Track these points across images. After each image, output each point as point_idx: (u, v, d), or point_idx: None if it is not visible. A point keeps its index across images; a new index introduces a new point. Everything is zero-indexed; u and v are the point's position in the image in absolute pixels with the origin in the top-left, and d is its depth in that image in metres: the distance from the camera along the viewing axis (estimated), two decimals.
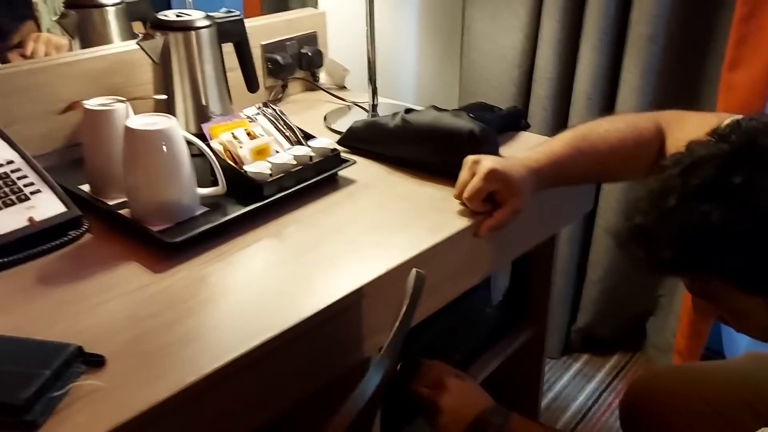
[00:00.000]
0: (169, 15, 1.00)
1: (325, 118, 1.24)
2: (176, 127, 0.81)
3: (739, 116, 0.80)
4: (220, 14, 1.06)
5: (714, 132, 0.65)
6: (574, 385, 1.70)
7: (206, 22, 1.00)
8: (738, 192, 0.58)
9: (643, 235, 0.63)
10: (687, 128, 0.87)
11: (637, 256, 0.65)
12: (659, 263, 0.64)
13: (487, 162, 0.88)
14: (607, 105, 1.54)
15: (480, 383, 1.15)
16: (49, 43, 1.09)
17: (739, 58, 1.34)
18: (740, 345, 1.59)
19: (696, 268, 0.63)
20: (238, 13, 1.08)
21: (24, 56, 1.07)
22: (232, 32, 1.07)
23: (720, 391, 1.01)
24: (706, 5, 1.41)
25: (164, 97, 0.98)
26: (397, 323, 0.57)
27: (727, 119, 0.81)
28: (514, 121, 1.17)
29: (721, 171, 0.59)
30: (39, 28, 1.10)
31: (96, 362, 0.61)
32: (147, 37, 0.98)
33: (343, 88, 1.41)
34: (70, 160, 0.98)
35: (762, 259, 0.58)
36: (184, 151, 0.82)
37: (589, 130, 0.92)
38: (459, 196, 0.91)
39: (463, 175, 0.90)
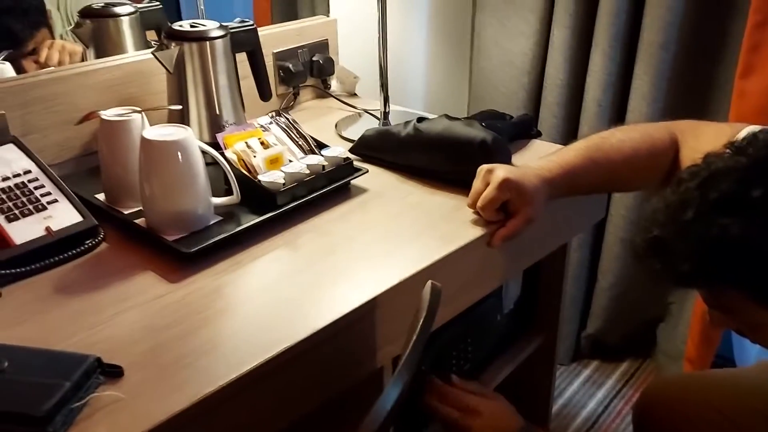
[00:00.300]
0: (184, 25, 1.00)
1: (336, 126, 1.25)
2: (191, 138, 0.82)
3: (755, 127, 0.80)
4: (233, 24, 1.06)
5: (731, 144, 0.65)
6: (585, 391, 1.70)
7: (220, 33, 1.01)
8: (757, 206, 0.58)
9: (661, 247, 0.63)
10: (702, 138, 0.87)
11: (655, 269, 0.65)
12: (677, 276, 0.64)
13: (501, 171, 0.88)
14: (617, 112, 1.54)
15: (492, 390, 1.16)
16: (63, 50, 1.10)
17: (751, 66, 1.34)
18: (751, 353, 1.58)
19: (714, 281, 0.63)
20: (251, 22, 1.09)
21: (38, 63, 1.08)
22: (245, 42, 1.07)
23: (732, 399, 1.01)
24: (718, 12, 1.41)
25: (179, 107, 0.99)
26: (414, 337, 0.57)
27: (743, 129, 0.81)
28: (525, 129, 1.18)
29: (739, 184, 0.59)
30: (53, 36, 1.11)
31: (114, 373, 0.62)
32: (162, 47, 0.99)
33: (353, 95, 1.42)
34: (86, 169, 0.99)
35: None
36: (199, 162, 0.82)
37: (603, 139, 0.92)
38: (473, 205, 0.91)
39: (477, 184, 0.90)
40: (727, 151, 0.64)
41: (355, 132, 1.16)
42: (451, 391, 0.84)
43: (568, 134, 1.60)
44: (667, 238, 0.63)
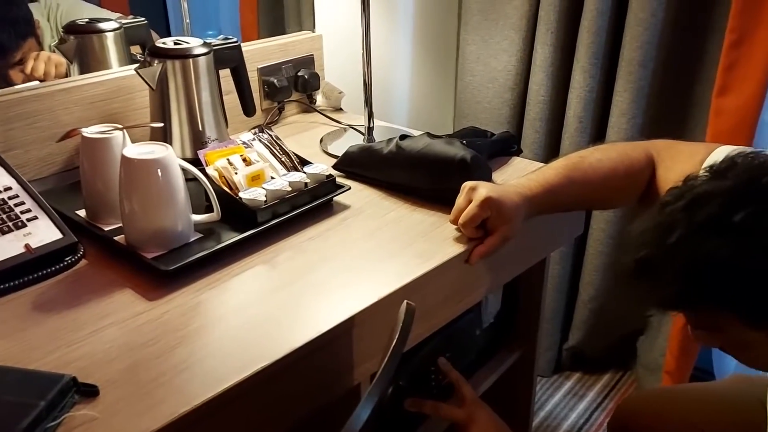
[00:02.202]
0: (168, 43, 1.01)
1: (321, 141, 1.26)
2: (172, 156, 0.82)
3: (729, 148, 0.82)
4: (217, 41, 1.07)
5: (710, 168, 0.66)
6: (566, 404, 1.72)
7: (204, 50, 1.02)
8: (743, 228, 0.58)
9: (648, 269, 0.64)
10: (678, 158, 0.89)
11: (642, 291, 0.66)
12: (665, 298, 0.65)
13: (483, 190, 0.89)
14: (598, 128, 1.56)
15: None
16: (49, 61, 1.11)
17: (728, 84, 1.36)
18: (730, 365, 1.61)
19: (701, 302, 0.64)
20: (235, 39, 1.10)
21: (24, 73, 1.08)
22: (229, 59, 1.08)
23: (708, 413, 1.02)
24: (695, 31, 1.44)
25: (161, 125, 1.00)
26: (387, 358, 0.58)
27: (716, 149, 0.83)
28: (505, 147, 1.19)
29: (723, 207, 0.60)
30: (41, 46, 1.11)
31: (90, 392, 0.63)
32: (145, 64, 0.99)
33: (339, 110, 1.43)
34: (68, 184, 1.00)
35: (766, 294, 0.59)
36: (179, 180, 0.83)
37: (582, 158, 0.94)
38: (455, 221, 0.92)
39: (460, 201, 0.92)
40: (706, 173, 0.65)
41: (340, 147, 1.17)
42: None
43: (551, 149, 1.62)
44: (654, 260, 0.63)
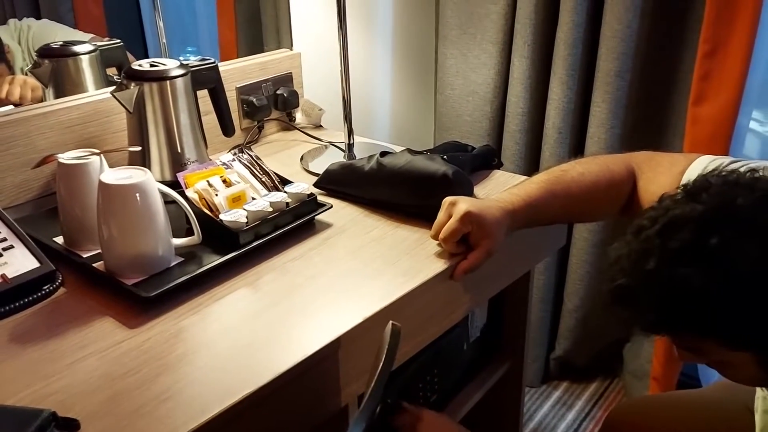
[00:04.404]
0: (144, 65, 1.00)
1: (301, 159, 1.26)
2: (150, 180, 0.81)
3: (708, 158, 0.83)
4: (194, 62, 1.07)
5: (684, 187, 0.66)
6: (555, 413, 1.71)
7: (180, 71, 1.01)
8: (717, 255, 0.59)
9: (627, 297, 0.65)
10: (658, 170, 0.90)
11: (623, 317, 0.66)
12: (644, 325, 0.66)
13: (463, 204, 0.89)
14: (577, 138, 1.58)
15: (461, 417, 1.17)
16: (25, 84, 1.09)
17: (703, 93, 1.39)
18: (715, 372, 1.61)
19: (679, 329, 0.65)
20: (212, 60, 1.09)
21: None
22: (207, 79, 1.08)
23: (696, 421, 1.03)
24: (670, 42, 1.46)
25: (138, 149, 0.99)
26: (374, 380, 0.58)
27: (695, 160, 0.84)
28: (486, 160, 1.20)
29: (697, 234, 0.60)
30: (11, 71, 1.10)
31: (70, 426, 0.61)
32: (121, 87, 0.98)
33: (319, 127, 1.43)
34: (45, 210, 0.98)
35: (745, 319, 0.59)
36: (158, 204, 0.82)
37: (563, 172, 0.94)
38: (435, 237, 0.92)
39: (440, 216, 0.92)
40: (681, 193, 0.66)
41: (321, 165, 1.16)
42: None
43: (531, 160, 1.63)
44: (632, 288, 0.64)
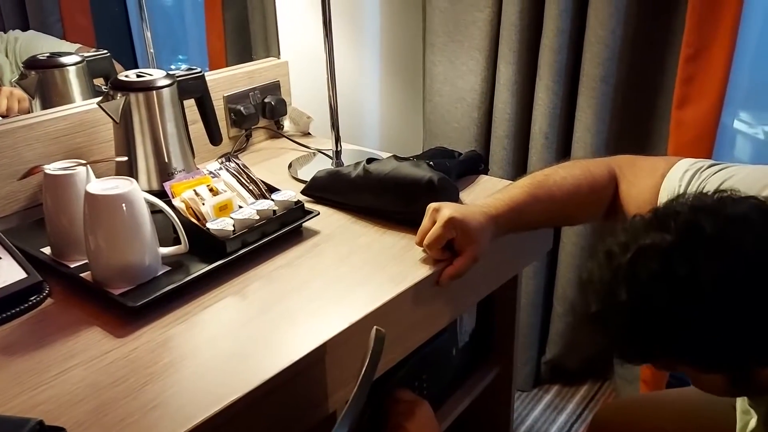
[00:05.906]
0: (130, 75, 1.01)
1: (289, 166, 1.26)
2: (136, 190, 0.82)
3: (688, 162, 0.84)
4: (180, 72, 1.07)
5: (654, 213, 0.66)
6: (546, 417, 1.72)
7: (167, 81, 1.02)
8: (685, 286, 0.59)
9: (600, 324, 0.65)
10: (639, 174, 0.91)
11: (599, 342, 0.67)
12: (619, 352, 0.67)
13: (447, 210, 0.90)
14: (563, 143, 1.59)
15: (451, 423, 1.17)
16: (12, 96, 1.09)
17: (686, 97, 1.40)
18: None
19: (652, 356, 0.65)
20: (199, 69, 1.10)
21: None
22: (193, 89, 1.08)
23: (681, 419, 1.04)
24: (654, 47, 1.48)
25: (125, 159, 0.99)
26: (357, 385, 0.58)
27: (676, 164, 0.85)
28: (472, 166, 1.21)
29: (666, 265, 0.60)
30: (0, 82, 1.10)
31: None
32: (108, 97, 0.99)
33: (307, 134, 1.44)
34: (32, 221, 0.98)
35: (715, 345, 0.60)
36: (145, 214, 0.83)
37: (546, 177, 0.95)
38: (420, 243, 0.93)
39: (425, 222, 0.92)
40: (651, 216, 0.66)
41: (309, 172, 1.17)
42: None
43: (518, 165, 1.65)
44: (604, 316, 0.65)
